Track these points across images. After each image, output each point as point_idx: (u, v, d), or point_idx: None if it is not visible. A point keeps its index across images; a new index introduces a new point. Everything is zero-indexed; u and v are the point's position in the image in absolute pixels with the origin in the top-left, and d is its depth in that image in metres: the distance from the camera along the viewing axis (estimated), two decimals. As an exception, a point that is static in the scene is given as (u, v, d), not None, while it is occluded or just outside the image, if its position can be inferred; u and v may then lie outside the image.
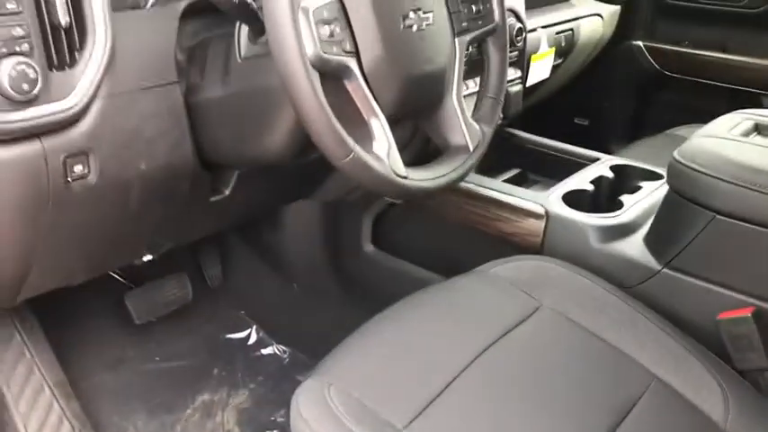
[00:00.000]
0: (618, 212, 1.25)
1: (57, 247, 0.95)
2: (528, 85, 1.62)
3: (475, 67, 1.15)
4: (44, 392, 1.27)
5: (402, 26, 0.87)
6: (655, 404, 0.93)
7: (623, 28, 2.09)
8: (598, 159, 1.47)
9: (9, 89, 0.74)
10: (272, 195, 1.36)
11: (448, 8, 0.95)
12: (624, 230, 1.21)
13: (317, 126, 0.78)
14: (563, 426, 0.88)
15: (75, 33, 0.81)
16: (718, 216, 1.04)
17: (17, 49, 0.75)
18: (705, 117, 1.32)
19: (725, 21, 2.00)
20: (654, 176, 1.37)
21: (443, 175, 0.93)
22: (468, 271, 1.14)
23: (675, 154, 1.10)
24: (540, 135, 1.63)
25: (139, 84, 0.91)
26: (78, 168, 0.86)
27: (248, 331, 1.67)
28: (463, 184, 1.32)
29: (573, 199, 1.30)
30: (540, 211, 1.27)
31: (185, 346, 1.58)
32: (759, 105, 1.96)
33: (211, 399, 1.50)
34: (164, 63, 0.94)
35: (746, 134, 1.15)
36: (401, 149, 0.88)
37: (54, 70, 0.80)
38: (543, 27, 1.68)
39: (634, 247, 1.18)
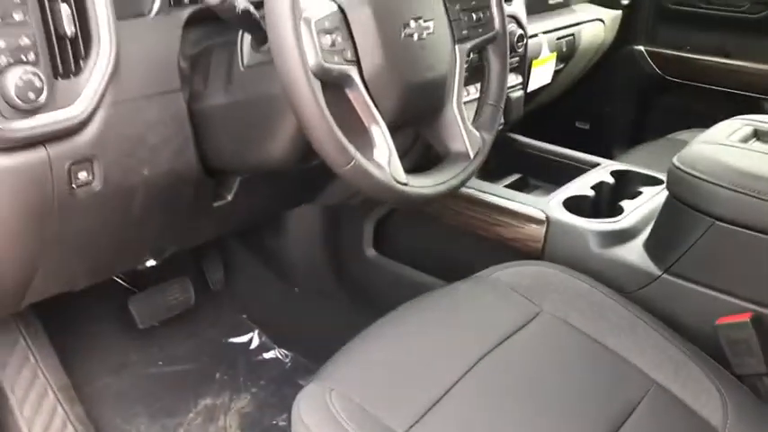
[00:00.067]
0: (618, 218, 1.25)
1: (61, 252, 0.96)
2: (529, 90, 1.63)
3: (476, 72, 1.16)
4: (48, 396, 1.28)
5: (403, 35, 0.88)
6: (654, 409, 0.93)
7: (625, 33, 2.10)
8: (599, 164, 1.48)
9: (15, 98, 0.75)
10: (275, 201, 1.37)
11: (448, 16, 0.96)
12: (624, 236, 1.22)
13: (319, 134, 0.78)
14: (562, 430, 0.89)
15: (81, 42, 0.82)
16: (717, 222, 1.04)
17: (23, 58, 0.76)
18: (706, 121, 1.33)
19: (726, 26, 2.01)
20: (654, 182, 1.38)
21: (443, 182, 0.94)
22: (469, 276, 1.15)
23: (675, 160, 1.11)
24: (542, 139, 1.64)
25: (143, 91, 0.91)
26: (83, 175, 0.87)
27: (250, 335, 1.68)
28: (464, 190, 1.33)
29: (573, 204, 1.30)
30: (541, 216, 1.27)
31: (188, 350, 1.59)
32: (760, 110, 1.97)
33: (214, 403, 1.51)
34: (167, 71, 0.95)
35: (746, 140, 1.16)
36: (402, 156, 0.89)
37: (59, 79, 0.81)
38: (544, 32, 1.69)
39: (634, 252, 1.19)
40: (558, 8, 1.85)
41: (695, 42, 2.06)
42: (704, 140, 1.15)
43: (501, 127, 1.44)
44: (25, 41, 0.76)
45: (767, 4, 1.94)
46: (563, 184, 1.40)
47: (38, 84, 0.77)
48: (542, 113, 1.98)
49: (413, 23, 0.89)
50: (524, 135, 1.66)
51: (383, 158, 0.85)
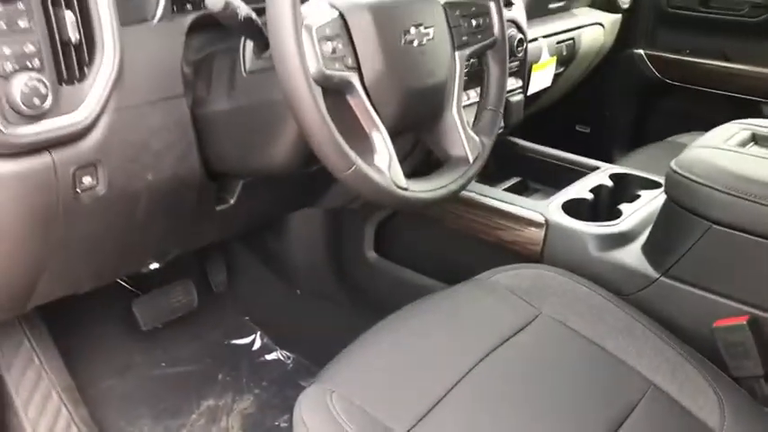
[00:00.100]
0: (616, 221, 1.26)
1: (66, 256, 0.97)
2: (529, 93, 1.64)
3: (475, 76, 1.17)
4: (52, 398, 1.29)
5: (403, 41, 0.89)
6: (651, 411, 0.94)
7: (624, 37, 2.11)
8: (598, 168, 1.48)
9: (21, 104, 0.76)
10: (277, 204, 1.38)
11: (448, 23, 0.97)
12: (622, 239, 1.23)
13: (320, 140, 0.80)
14: (561, 432, 0.90)
15: (85, 49, 0.83)
16: (714, 226, 1.05)
17: (29, 65, 0.77)
18: (706, 125, 1.34)
19: (725, 29, 2.02)
20: (653, 185, 1.39)
21: (443, 187, 0.95)
22: (470, 278, 1.16)
23: (672, 164, 1.12)
24: (542, 143, 1.65)
25: (147, 97, 0.93)
26: (87, 180, 0.88)
27: (253, 337, 1.69)
28: (464, 193, 1.34)
29: (572, 208, 1.31)
30: (540, 219, 1.28)
31: (191, 351, 1.60)
32: (760, 113, 1.98)
33: (216, 404, 1.52)
34: (171, 77, 0.96)
35: (743, 144, 1.17)
36: (402, 160, 0.90)
37: (64, 85, 0.82)
38: (544, 36, 1.70)
39: (632, 255, 1.19)
40: (559, 12, 1.86)
41: (695, 46, 2.07)
42: (702, 145, 1.15)
43: (501, 131, 1.45)
44: (30, 48, 0.78)
45: (767, 8, 1.94)
46: (562, 187, 1.41)
47: (43, 90, 0.78)
48: (543, 117, 1.99)
49: (413, 30, 0.90)
50: (525, 138, 1.66)
51: (383, 163, 0.86)
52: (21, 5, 0.76)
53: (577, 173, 1.48)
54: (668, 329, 1.07)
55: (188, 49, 0.98)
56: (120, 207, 0.95)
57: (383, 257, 1.54)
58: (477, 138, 1.02)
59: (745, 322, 1.04)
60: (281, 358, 1.66)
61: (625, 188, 1.42)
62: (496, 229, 1.34)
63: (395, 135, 0.89)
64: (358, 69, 0.84)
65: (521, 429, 0.89)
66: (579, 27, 1.88)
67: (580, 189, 1.39)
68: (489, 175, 1.46)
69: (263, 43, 0.89)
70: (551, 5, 1.82)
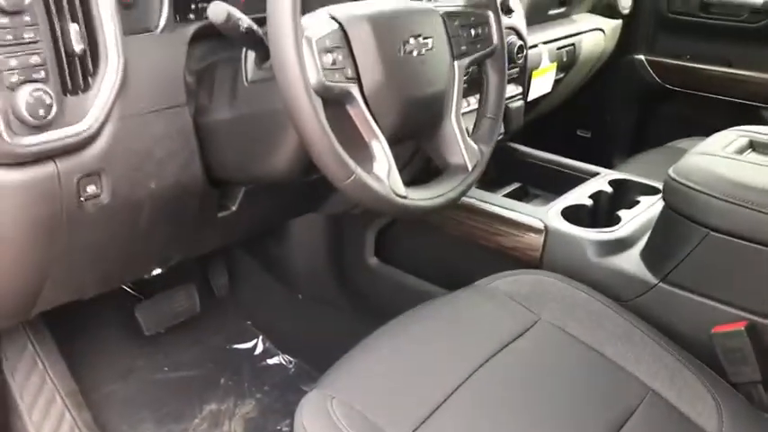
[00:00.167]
0: (615, 227, 1.27)
1: (70, 263, 0.98)
2: (529, 99, 1.64)
3: (475, 84, 1.18)
4: (56, 402, 1.30)
5: (402, 52, 0.90)
6: (650, 416, 0.95)
7: (625, 42, 2.12)
8: (597, 174, 1.49)
9: (26, 114, 0.77)
10: (278, 211, 1.39)
11: (447, 33, 0.98)
12: (621, 245, 1.23)
13: (320, 150, 0.80)
14: (559, 437, 0.91)
15: (89, 59, 0.84)
16: (712, 232, 1.06)
17: (34, 76, 0.78)
18: (706, 130, 1.35)
19: (726, 35, 2.02)
20: (651, 191, 1.40)
21: (442, 195, 0.96)
22: (470, 284, 1.17)
23: (671, 171, 1.13)
24: (543, 148, 1.66)
25: (150, 106, 0.93)
26: (91, 188, 0.88)
27: (255, 342, 1.70)
28: (465, 199, 1.35)
29: (572, 214, 1.32)
30: (540, 225, 1.29)
31: (193, 356, 1.61)
32: (760, 119, 1.98)
33: (218, 408, 1.53)
34: (173, 86, 0.97)
35: (741, 151, 1.18)
36: (402, 168, 0.91)
37: (68, 95, 0.83)
38: (544, 43, 1.71)
39: (631, 261, 1.20)
40: (559, 18, 1.87)
41: (695, 51, 2.08)
42: (700, 152, 1.16)
43: (501, 137, 1.46)
44: (36, 60, 0.79)
45: (766, 14, 1.95)
46: (562, 193, 1.42)
47: (48, 100, 0.79)
48: (544, 122, 2.00)
49: (412, 40, 0.91)
50: (526, 144, 1.67)
51: (383, 172, 0.87)
52: (27, 18, 0.77)
53: (577, 178, 1.49)
54: (667, 335, 1.08)
55: (190, 58, 0.99)
56: (124, 215, 0.96)
57: (384, 263, 1.54)
58: (475, 146, 1.03)
59: (743, 328, 1.05)
60: (283, 363, 1.67)
61: (624, 194, 1.43)
62: (496, 235, 1.34)
63: (394, 144, 0.89)
64: (358, 80, 0.85)
65: (520, 434, 0.90)
66: (579, 33, 1.89)
67: (579, 195, 1.40)
68: (490, 180, 1.47)
69: (264, 53, 0.90)
70: (551, 12, 1.83)
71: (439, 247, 1.48)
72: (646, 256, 1.20)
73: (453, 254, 1.45)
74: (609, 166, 1.60)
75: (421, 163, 1.29)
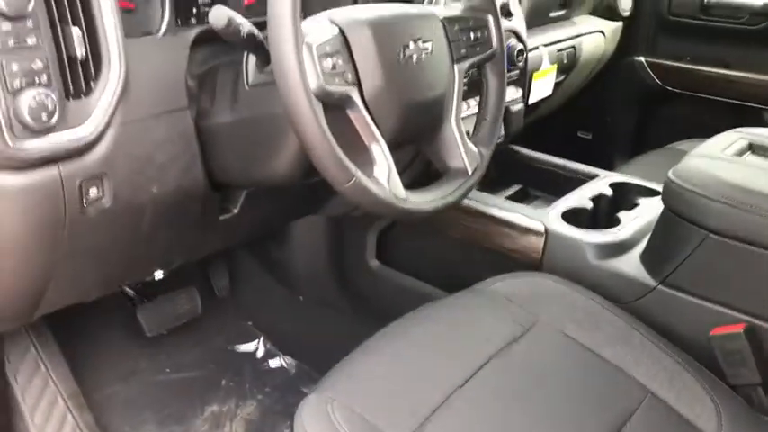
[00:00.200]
0: (615, 230, 1.27)
1: (72, 266, 0.98)
2: (530, 102, 1.65)
3: (475, 86, 1.18)
4: (58, 404, 1.31)
5: (402, 56, 0.90)
6: (648, 419, 0.95)
7: (625, 44, 2.12)
8: (598, 176, 1.50)
9: (28, 119, 0.78)
10: (279, 213, 1.39)
11: (447, 37, 0.98)
12: (621, 247, 1.24)
13: (320, 154, 0.81)
14: (558, 439, 0.91)
15: (91, 64, 0.85)
16: (711, 235, 1.06)
17: (36, 80, 0.79)
18: (707, 132, 1.35)
19: (726, 37, 2.02)
20: (651, 193, 1.40)
21: (441, 198, 0.97)
22: (471, 286, 1.17)
23: (670, 174, 1.13)
24: (544, 149, 1.66)
25: (152, 110, 0.94)
26: (93, 192, 0.89)
27: (256, 343, 1.71)
28: (465, 202, 1.35)
29: (572, 216, 1.33)
30: (540, 228, 1.30)
31: (195, 357, 1.62)
32: (760, 120, 1.99)
33: (220, 409, 1.54)
34: (175, 90, 0.97)
35: (740, 154, 1.18)
36: (403, 171, 0.91)
37: (71, 99, 0.83)
38: (545, 45, 1.71)
39: (630, 263, 1.21)
40: (559, 21, 1.87)
41: (695, 53, 2.08)
42: (699, 154, 1.17)
43: (501, 140, 1.47)
44: (38, 64, 0.79)
45: (767, 16, 1.95)
46: (563, 195, 1.42)
47: (50, 105, 0.79)
48: (545, 124, 2.01)
49: (412, 45, 0.92)
50: (527, 146, 1.68)
51: (383, 176, 0.87)
52: (29, 23, 0.78)
53: (578, 180, 1.50)
54: (666, 337, 1.08)
55: (192, 62, 1.00)
56: (126, 218, 0.97)
57: (385, 265, 1.55)
58: (475, 149, 1.03)
59: (741, 330, 1.05)
60: (284, 364, 1.68)
61: (624, 196, 1.43)
62: (497, 237, 1.35)
63: (394, 147, 0.90)
64: (358, 84, 0.86)
65: (519, 436, 0.91)
66: (580, 35, 1.89)
67: (580, 197, 1.40)
68: (490, 182, 1.47)
69: (265, 58, 0.91)
70: (552, 14, 1.83)
71: (440, 249, 1.48)
72: (645, 258, 1.20)
73: (454, 256, 1.46)
74: (610, 167, 1.60)
75: (421, 166, 1.29)
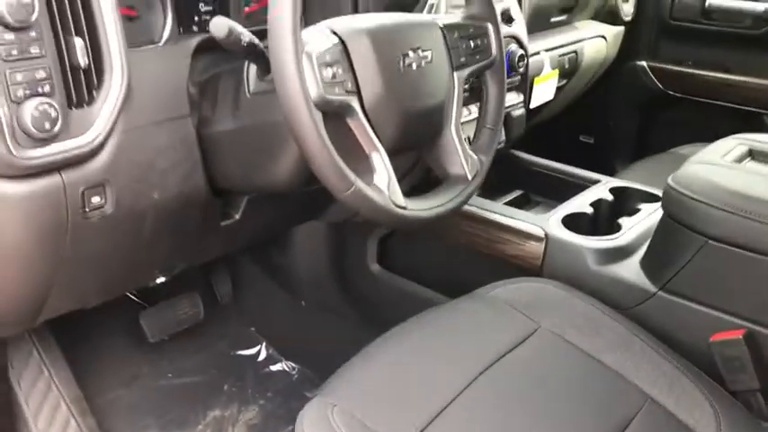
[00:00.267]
0: (615, 235, 1.28)
1: (74, 273, 0.99)
2: (532, 106, 1.65)
3: (475, 93, 1.19)
4: (61, 408, 1.31)
5: (402, 65, 0.91)
6: (648, 424, 0.95)
7: (627, 48, 2.12)
8: (599, 181, 1.50)
9: (32, 128, 0.78)
10: (281, 219, 1.40)
11: (447, 45, 0.99)
12: (621, 253, 1.24)
13: (320, 162, 0.81)
14: (558, 445, 0.92)
15: (94, 73, 0.86)
16: (710, 241, 1.07)
17: (39, 90, 0.80)
18: (709, 136, 1.36)
19: (727, 41, 2.03)
20: (652, 198, 1.40)
21: (441, 205, 0.97)
22: (471, 291, 1.18)
23: (670, 180, 1.14)
24: (546, 153, 1.67)
25: (154, 118, 0.95)
26: (95, 199, 0.90)
27: (258, 348, 1.71)
28: (466, 207, 1.35)
29: (572, 222, 1.33)
30: (540, 233, 1.30)
31: (197, 362, 1.62)
32: (762, 125, 1.99)
33: (222, 414, 1.54)
34: (177, 97, 0.98)
35: (740, 160, 1.18)
36: (402, 178, 0.92)
37: (73, 108, 0.84)
38: (546, 50, 1.72)
39: (631, 269, 1.21)
40: (561, 26, 1.87)
41: (697, 58, 2.08)
42: (699, 161, 1.17)
43: (501, 145, 1.47)
44: (41, 74, 0.80)
45: (768, 21, 1.96)
46: (564, 200, 1.42)
47: (53, 114, 0.80)
48: (547, 128, 2.01)
49: (411, 53, 0.92)
50: (529, 150, 1.68)
51: (383, 183, 0.88)
52: (33, 33, 0.79)
53: (579, 186, 1.50)
54: (666, 343, 1.09)
55: (194, 70, 1.01)
56: (128, 225, 0.97)
57: (386, 270, 1.55)
58: (475, 156, 1.04)
59: (741, 336, 1.05)
60: (286, 369, 1.68)
61: (625, 201, 1.43)
62: (497, 243, 1.35)
63: (394, 155, 0.90)
64: (358, 93, 0.86)
65: (519, 443, 0.91)
66: (581, 40, 1.89)
67: (580, 203, 1.40)
68: (491, 188, 1.48)
69: (265, 67, 0.91)
70: (553, 19, 1.83)
71: (441, 254, 1.49)
72: (645, 264, 1.20)
73: (455, 261, 1.46)
74: (612, 171, 1.60)
75: (421, 173, 1.30)
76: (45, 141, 0.81)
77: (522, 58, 1.47)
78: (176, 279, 1.31)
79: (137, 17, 1.00)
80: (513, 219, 1.35)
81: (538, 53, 1.67)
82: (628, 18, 2.08)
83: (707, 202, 1.07)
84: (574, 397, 0.98)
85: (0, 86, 0.76)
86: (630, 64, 2.18)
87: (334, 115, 0.84)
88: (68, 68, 0.83)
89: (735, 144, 1.22)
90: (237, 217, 1.17)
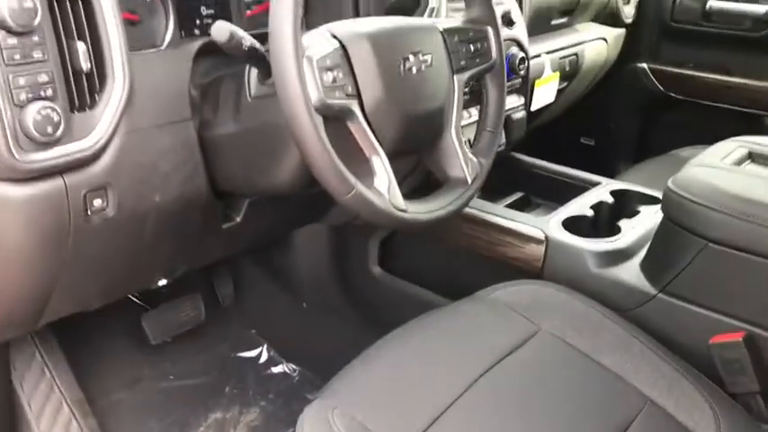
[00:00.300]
0: (616, 238, 1.28)
1: (76, 275, 0.99)
2: (533, 109, 1.66)
3: (475, 95, 1.19)
4: (63, 410, 1.32)
5: (402, 69, 0.91)
6: (648, 426, 0.95)
7: (628, 51, 2.13)
8: (599, 183, 1.50)
9: (34, 132, 0.79)
10: (283, 221, 1.40)
11: (447, 48, 0.99)
12: (621, 256, 1.24)
13: (321, 166, 0.82)
14: (558, 447, 0.92)
15: (96, 77, 0.86)
16: (710, 244, 1.07)
17: (42, 94, 0.80)
18: (709, 138, 1.36)
19: (728, 44, 2.03)
20: (652, 201, 1.40)
21: (441, 208, 0.97)
22: (472, 294, 1.18)
23: (670, 183, 1.14)
24: (547, 155, 1.67)
25: (155, 121, 0.95)
26: (97, 202, 0.90)
27: (259, 350, 1.72)
28: (466, 210, 1.36)
29: (573, 224, 1.33)
30: (541, 236, 1.30)
31: (199, 364, 1.63)
32: (762, 126, 1.99)
33: (224, 416, 1.55)
34: (179, 101, 0.98)
35: (740, 162, 1.18)
36: (403, 180, 0.92)
37: (76, 112, 0.84)
38: (547, 53, 1.72)
39: (631, 272, 1.21)
40: (561, 28, 1.88)
41: (698, 60, 2.09)
42: (699, 163, 1.17)
43: (502, 147, 1.48)
44: (44, 78, 0.80)
45: (768, 23, 1.96)
46: (564, 202, 1.43)
47: (55, 118, 0.80)
48: (548, 130, 2.02)
49: (412, 57, 0.92)
50: (530, 152, 1.68)
51: (383, 186, 0.88)
52: (35, 38, 0.79)
53: (579, 188, 1.50)
54: (666, 345, 1.09)
55: (195, 73, 1.01)
56: (129, 228, 0.98)
57: (387, 272, 1.56)
58: (475, 159, 1.04)
59: (740, 339, 1.06)
60: (288, 371, 1.69)
61: (625, 204, 1.44)
62: (498, 246, 1.36)
63: (394, 158, 0.91)
64: (358, 97, 0.87)
65: (519, 444, 0.91)
66: (582, 42, 1.90)
67: (581, 205, 1.41)
68: (492, 190, 1.48)
69: (266, 70, 0.91)
70: (554, 22, 1.84)
71: (442, 257, 1.49)
72: (645, 266, 1.21)
73: (456, 264, 1.47)
74: (612, 173, 1.60)
75: (421, 175, 1.30)
76: (47, 145, 0.81)
77: (522, 60, 1.48)
78: (178, 281, 1.32)
79: (138, 21, 1.01)
80: (514, 221, 1.36)
81: (538, 56, 1.67)
82: (628, 20, 2.08)
83: (707, 205, 1.07)
84: (574, 399, 0.98)
85: (3, 90, 0.77)
86: (631, 66, 2.18)
87: (334, 119, 0.85)
88: (71, 72, 0.83)
89: (734, 146, 1.23)
90: (239, 219, 1.18)
